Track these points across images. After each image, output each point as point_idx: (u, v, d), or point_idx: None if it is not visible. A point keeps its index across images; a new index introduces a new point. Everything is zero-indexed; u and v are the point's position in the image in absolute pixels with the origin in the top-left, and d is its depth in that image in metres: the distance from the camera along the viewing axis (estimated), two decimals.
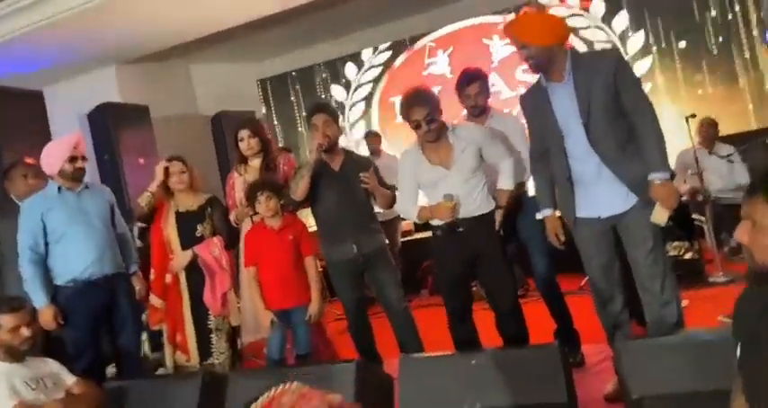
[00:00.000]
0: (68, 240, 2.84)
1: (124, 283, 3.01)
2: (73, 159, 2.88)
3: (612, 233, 2.32)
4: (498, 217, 2.61)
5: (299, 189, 2.75)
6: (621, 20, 5.68)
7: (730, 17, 5.27)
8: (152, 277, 3.01)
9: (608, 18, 5.72)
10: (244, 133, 3.13)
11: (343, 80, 6.77)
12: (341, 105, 6.71)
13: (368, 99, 6.63)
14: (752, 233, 1.14)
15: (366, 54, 6.61)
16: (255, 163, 3.15)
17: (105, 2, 4.59)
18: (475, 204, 2.55)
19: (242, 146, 3.13)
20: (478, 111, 2.91)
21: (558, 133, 2.30)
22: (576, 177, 2.31)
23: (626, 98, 2.19)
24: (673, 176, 2.20)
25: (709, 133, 4.50)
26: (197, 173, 3.04)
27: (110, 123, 5.52)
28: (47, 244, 2.85)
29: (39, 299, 2.78)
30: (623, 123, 2.21)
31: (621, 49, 5.64)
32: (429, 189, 2.62)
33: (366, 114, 6.64)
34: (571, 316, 2.94)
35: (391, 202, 2.87)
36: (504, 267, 2.60)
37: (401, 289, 2.94)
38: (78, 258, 2.84)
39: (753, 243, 1.14)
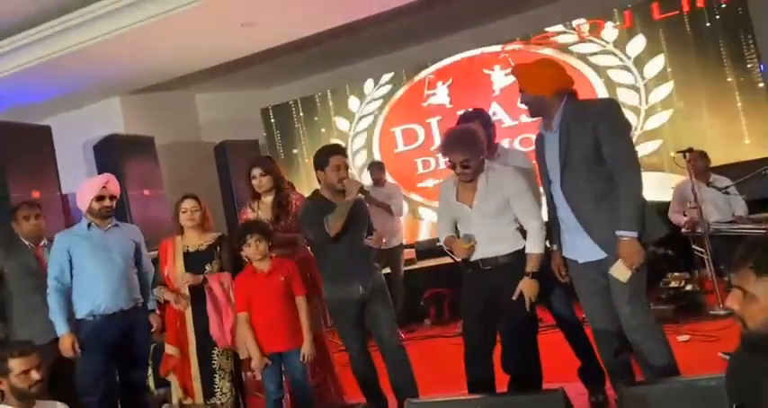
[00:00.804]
0: (88, 274, 2.99)
1: (141, 319, 3.11)
2: (100, 198, 3.06)
3: (603, 276, 2.32)
4: (527, 288, 2.47)
5: (336, 226, 2.74)
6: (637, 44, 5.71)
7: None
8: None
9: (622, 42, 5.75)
10: (256, 171, 3.19)
11: (347, 111, 6.91)
12: (344, 135, 6.85)
13: (370, 129, 6.78)
14: (743, 301, 1.20)
15: (368, 87, 6.77)
16: (268, 199, 3.22)
17: (111, 37, 4.71)
18: (501, 244, 2.55)
19: (254, 183, 3.20)
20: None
21: (548, 179, 2.41)
22: (561, 221, 2.41)
23: (606, 150, 2.20)
24: (641, 234, 2.19)
25: (699, 165, 4.53)
26: (209, 213, 3.08)
27: (116, 155, 5.61)
28: (72, 277, 3.00)
29: (60, 327, 2.94)
30: (603, 174, 2.23)
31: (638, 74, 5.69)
32: (457, 221, 2.69)
33: (368, 144, 6.78)
34: (594, 354, 2.88)
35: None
36: (522, 311, 2.50)
37: (395, 325, 2.95)
38: (95, 291, 2.97)
39: (744, 311, 1.20)
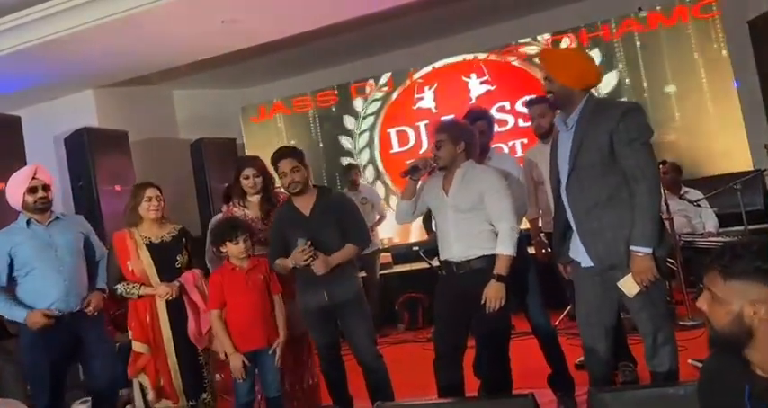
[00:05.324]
0: (35, 275, 2.80)
1: (91, 318, 2.90)
2: (32, 190, 2.81)
3: (603, 279, 2.23)
4: (492, 292, 2.42)
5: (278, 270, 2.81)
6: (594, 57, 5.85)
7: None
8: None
9: None
10: (249, 172, 3.15)
11: (336, 109, 6.93)
12: (350, 133, 6.91)
13: (371, 130, 6.84)
14: (711, 303, 1.25)
15: (369, 88, 6.84)
16: (255, 198, 3.19)
17: (85, 29, 4.59)
18: (474, 246, 2.50)
19: (247, 183, 3.16)
20: (480, 150, 2.90)
21: (557, 178, 2.29)
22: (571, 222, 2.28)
23: (624, 158, 2.08)
24: (654, 253, 2.08)
25: (672, 178, 4.61)
26: (166, 203, 2.98)
27: (87, 149, 5.44)
28: (15, 279, 2.82)
29: (20, 314, 2.74)
30: (612, 182, 2.11)
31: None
32: (433, 212, 2.66)
33: (370, 143, 6.85)
34: (566, 363, 2.93)
35: (356, 255, 2.85)
36: (496, 316, 2.46)
37: (372, 337, 2.86)
38: (44, 293, 2.78)
39: (711, 313, 1.26)
